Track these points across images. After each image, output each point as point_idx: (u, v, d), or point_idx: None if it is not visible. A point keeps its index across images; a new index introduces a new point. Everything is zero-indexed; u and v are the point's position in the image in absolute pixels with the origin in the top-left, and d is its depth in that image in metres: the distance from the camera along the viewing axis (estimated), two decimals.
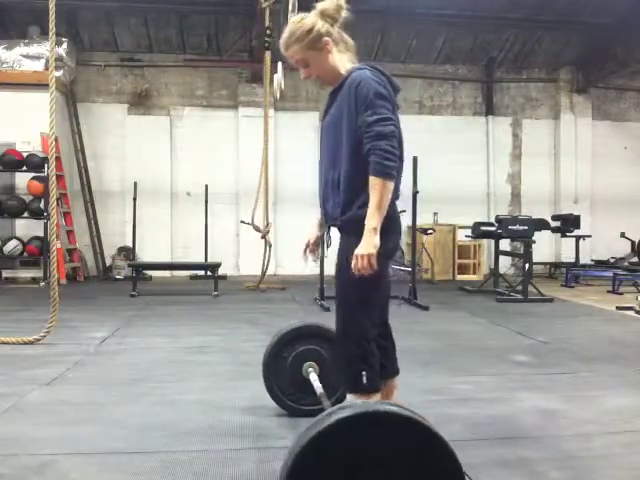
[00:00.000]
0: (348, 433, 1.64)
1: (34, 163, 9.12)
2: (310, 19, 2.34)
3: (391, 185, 2.17)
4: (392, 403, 1.73)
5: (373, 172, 2.15)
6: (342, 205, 2.28)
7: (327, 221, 2.45)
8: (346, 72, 2.34)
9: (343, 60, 2.40)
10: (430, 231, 9.69)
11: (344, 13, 2.39)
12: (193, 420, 3.08)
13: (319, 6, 2.36)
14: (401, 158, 2.29)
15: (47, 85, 4.97)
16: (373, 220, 2.15)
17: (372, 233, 2.14)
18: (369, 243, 2.14)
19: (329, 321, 2.96)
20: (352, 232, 2.23)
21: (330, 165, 2.35)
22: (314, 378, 2.84)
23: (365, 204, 2.19)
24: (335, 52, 2.38)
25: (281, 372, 3.03)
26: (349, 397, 2.26)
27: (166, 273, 10.40)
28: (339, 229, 2.36)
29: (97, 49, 10.73)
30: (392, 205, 2.28)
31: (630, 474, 2.51)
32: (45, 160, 8.45)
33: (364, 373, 2.24)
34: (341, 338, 2.34)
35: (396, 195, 2.31)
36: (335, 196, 2.31)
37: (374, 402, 1.76)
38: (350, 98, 2.25)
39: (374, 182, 2.15)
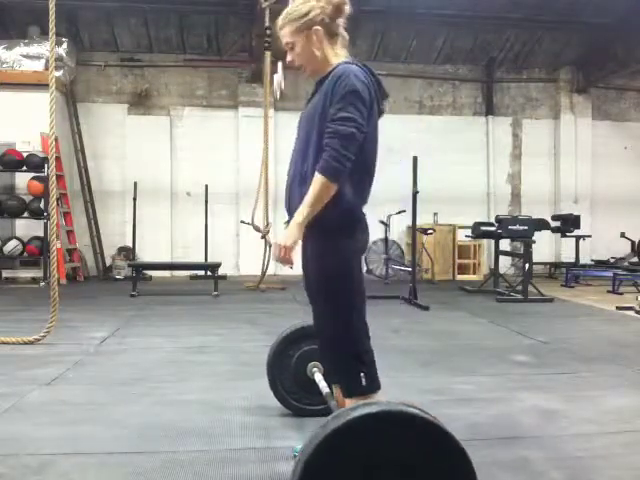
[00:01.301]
0: (365, 432, 1.64)
1: (34, 163, 9.12)
2: (310, 4, 2.25)
3: (333, 187, 2.06)
4: (410, 404, 1.72)
5: (319, 168, 2.06)
6: None
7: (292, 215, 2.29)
8: (335, 64, 2.25)
9: (335, 53, 2.30)
10: (430, 231, 9.69)
11: (347, 8, 2.29)
12: (193, 420, 3.08)
13: None
14: (367, 164, 2.21)
15: (47, 85, 4.97)
16: (301, 215, 2.08)
17: (296, 227, 2.09)
18: (291, 235, 2.09)
19: None
20: (320, 233, 2.16)
21: (301, 157, 2.26)
22: (319, 378, 2.84)
23: (333, 202, 2.11)
24: (326, 43, 2.27)
25: (285, 370, 3.03)
26: (348, 402, 2.16)
27: (166, 273, 10.40)
28: (305, 228, 2.18)
29: (97, 49, 10.73)
30: (359, 207, 2.23)
31: (630, 474, 2.51)
32: (45, 160, 8.45)
33: (362, 374, 2.18)
34: (331, 343, 2.26)
35: (363, 200, 2.25)
36: (303, 190, 2.18)
37: (394, 402, 1.76)
38: (328, 89, 2.17)
39: (316, 178, 2.06)
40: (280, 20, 2.32)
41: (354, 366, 2.19)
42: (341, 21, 2.31)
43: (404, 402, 1.72)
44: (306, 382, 2.96)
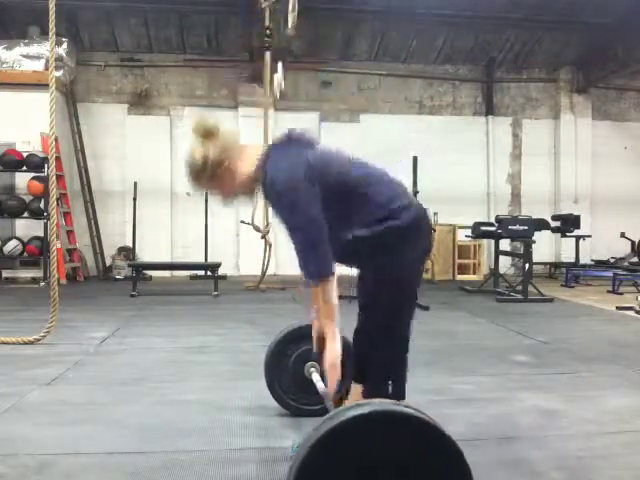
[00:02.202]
0: (360, 432, 1.63)
1: (34, 163, 9.12)
2: (199, 151, 2.24)
3: (329, 282, 2.11)
4: (404, 404, 1.72)
5: (311, 282, 2.15)
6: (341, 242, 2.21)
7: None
8: (259, 169, 2.26)
9: (249, 159, 2.30)
10: None
11: (218, 125, 2.28)
12: (193, 420, 3.08)
13: (196, 131, 2.26)
14: (357, 182, 2.23)
15: (47, 85, 4.97)
16: (328, 327, 2.12)
17: (332, 340, 2.11)
18: (333, 353, 2.10)
19: None
20: (377, 251, 2.19)
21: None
22: (317, 378, 2.84)
23: (363, 224, 2.17)
24: (239, 164, 2.28)
25: (283, 370, 3.03)
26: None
27: (166, 273, 10.39)
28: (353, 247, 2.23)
29: (97, 49, 10.73)
30: (397, 213, 2.20)
31: (630, 474, 2.51)
32: (45, 160, 8.44)
33: (390, 381, 2.23)
34: (378, 341, 2.27)
35: (396, 194, 2.24)
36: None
37: (388, 402, 1.76)
38: (269, 199, 2.24)
39: (319, 289, 2.13)
40: (189, 179, 2.31)
41: (385, 371, 2.25)
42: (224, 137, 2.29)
43: (399, 402, 1.71)
44: (304, 382, 2.96)
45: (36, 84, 8.87)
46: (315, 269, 2.11)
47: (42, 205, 8.98)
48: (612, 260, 10.71)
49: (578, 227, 10.01)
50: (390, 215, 2.19)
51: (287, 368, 3.01)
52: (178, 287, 9.21)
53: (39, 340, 4.83)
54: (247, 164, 2.29)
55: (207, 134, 2.25)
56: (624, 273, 9.06)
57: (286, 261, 10.44)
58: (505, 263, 10.17)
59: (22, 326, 5.42)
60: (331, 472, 1.61)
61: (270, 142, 2.35)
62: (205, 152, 2.23)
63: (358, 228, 2.20)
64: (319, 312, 2.17)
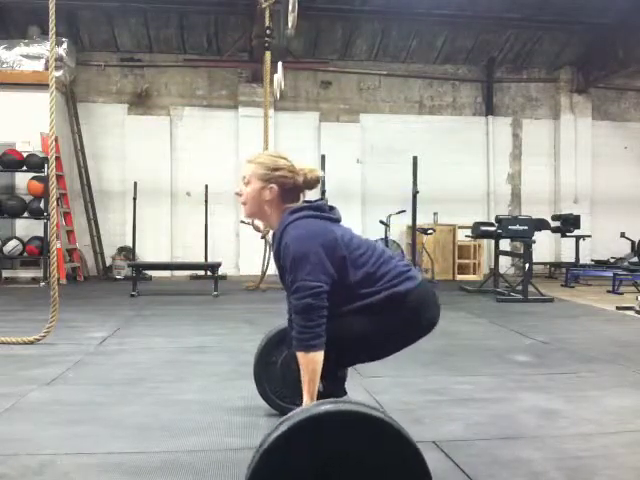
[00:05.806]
0: (314, 433, 1.65)
1: (34, 163, 9.12)
2: (284, 162, 2.35)
3: (316, 356, 2.14)
4: (359, 402, 1.74)
5: (294, 346, 2.19)
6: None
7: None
8: (283, 222, 2.32)
9: (283, 210, 2.37)
10: (430, 231, 9.69)
11: (319, 181, 2.40)
12: (193, 420, 3.08)
13: (304, 166, 2.38)
14: (369, 268, 2.30)
15: (47, 85, 4.97)
16: (310, 396, 2.16)
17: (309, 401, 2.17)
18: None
19: None
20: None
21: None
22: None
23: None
24: (278, 202, 2.35)
25: (273, 376, 3.03)
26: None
27: (166, 273, 10.40)
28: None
29: (97, 49, 10.74)
30: (393, 287, 2.30)
31: (630, 474, 2.50)
32: (45, 160, 8.45)
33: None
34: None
35: (393, 281, 2.31)
36: None
37: (341, 401, 1.77)
38: (281, 255, 2.29)
39: (298, 356, 2.17)
40: (253, 156, 2.39)
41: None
42: (307, 192, 2.40)
43: (359, 401, 1.72)
44: (296, 381, 2.96)
45: (36, 84, 8.88)
46: (297, 337, 2.17)
47: (42, 205, 8.98)
48: (612, 260, 10.71)
49: (578, 227, 10.02)
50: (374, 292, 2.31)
51: (276, 372, 3.00)
52: (178, 287, 9.21)
53: (39, 340, 4.83)
54: (281, 209, 2.36)
55: (303, 173, 2.36)
56: (624, 273, 9.06)
57: None
58: (505, 263, 10.18)
59: (22, 326, 5.43)
60: (288, 472, 1.63)
61: (304, 202, 2.41)
62: (284, 169, 2.34)
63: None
64: (303, 381, 2.20)
